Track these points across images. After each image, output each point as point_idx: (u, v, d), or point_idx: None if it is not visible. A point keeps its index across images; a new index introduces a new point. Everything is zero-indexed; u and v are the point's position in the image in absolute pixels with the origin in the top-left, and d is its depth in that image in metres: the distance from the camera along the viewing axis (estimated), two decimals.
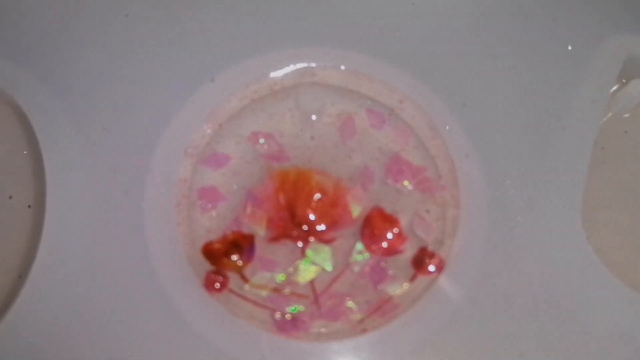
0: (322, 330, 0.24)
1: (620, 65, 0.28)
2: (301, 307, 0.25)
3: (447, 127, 0.27)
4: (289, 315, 0.24)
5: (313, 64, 0.28)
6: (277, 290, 0.25)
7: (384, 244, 0.25)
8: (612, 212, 0.28)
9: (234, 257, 0.25)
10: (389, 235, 0.25)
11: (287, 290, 0.25)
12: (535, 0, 0.29)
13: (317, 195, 0.26)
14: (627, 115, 0.30)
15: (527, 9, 0.29)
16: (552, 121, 0.27)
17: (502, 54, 0.28)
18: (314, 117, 0.27)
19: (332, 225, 0.26)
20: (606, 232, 0.28)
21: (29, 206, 0.27)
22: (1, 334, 0.24)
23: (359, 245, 0.25)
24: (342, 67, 0.28)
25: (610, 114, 0.30)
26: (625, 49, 0.28)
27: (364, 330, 0.24)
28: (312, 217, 0.26)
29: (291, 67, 0.28)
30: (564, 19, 0.29)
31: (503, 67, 0.28)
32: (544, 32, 0.28)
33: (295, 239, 0.25)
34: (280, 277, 0.25)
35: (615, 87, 0.30)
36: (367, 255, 0.25)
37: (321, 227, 0.26)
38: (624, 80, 0.29)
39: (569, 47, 0.27)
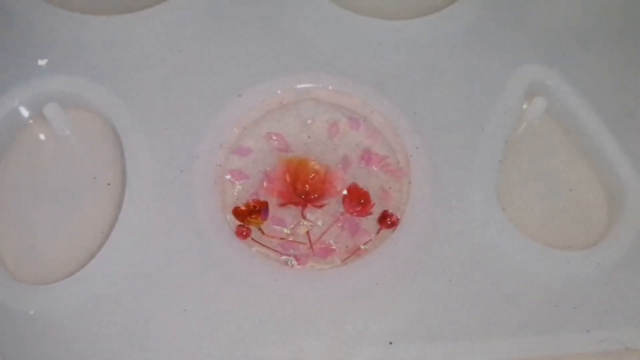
0: (315, 264, 0.35)
1: (527, 86, 0.40)
2: (300, 250, 0.36)
3: (404, 129, 0.38)
4: (292, 255, 0.36)
5: (309, 85, 0.40)
6: (284, 239, 0.36)
7: (359, 208, 0.37)
8: (523, 189, 0.39)
9: (254, 217, 0.36)
10: (362, 202, 0.37)
11: (291, 239, 0.36)
12: (464, 43, 0.41)
13: (312, 175, 0.37)
14: (536, 122, 0.41)
15: (458, 49, 0.41)
16: (475, 125, 0.39)
17: (442, 79, 0.40)
18: (309, 122, 0.39)
19: (322, 195, 0.37)
20: (519, 203, 0.39)
21: (109, 184, 0.38)
22: (90, 274, 0.34)
23: (341, 209, 0.37)
24: (330, 88, 0.40)
25: (524, 124, 0.41)
26: (530, 74, 0.40)
27: (344, 265, 0.35)
28: (308, 190, 0.37)
29: (294, 87, 0.40)
30: (485, 56, 0.41)
31: (442, 88, 0.40)
32: (471, 65, 0.40)
33: (297, 205, 0.37)
34: (286, 231, 0.36)
35: (525, 105, 0.41)
36: (346, 216, 0.37)
37: (315, 197, 0.37)
38: (533, 98, 0.41)
39: (486, 75, 0.39)
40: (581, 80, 0.40)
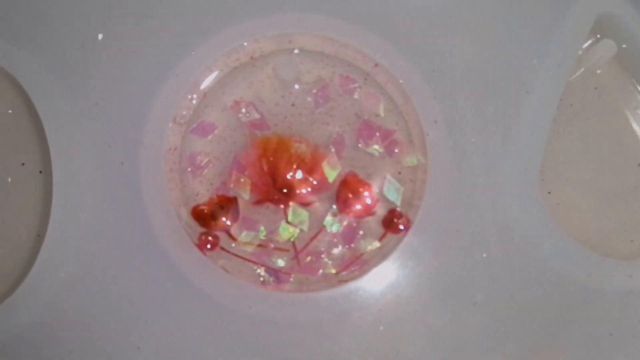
0: (302, 282, 0.28)
1: (592, 23, 0.29)
2: (283, 263, 0.28)
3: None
4: (272, 276, 0.28)
5: (290, 31, 0.29)
6: (262, 246, 0.28)
7: (358, 207, 0.28)
8: (575, 166, 0.30)
9: (223, 219, 0.28)
10: (362, 199, 0.28)
11: (271, 245, 0.28)
12: None
13: (295, 166, 0.28)
14: (599, 71, 0.31)
15: None
16: (517, 86, 0.28)
17: (473, 23, 0.28)
18: (293, 85, 0.29)
19: (311, 190, 0.28)
20: (568, 186, 0.30)
21: (40, 172, 0.30)
22: (27, 289, 0.27)
23: (334, 208, 0.28)
24: (318, 34, 0.29)
25: (582, 69, 0.31)
26: (597, 7, 0.29)
27: (339, 282, 0.28)
28: (292, 181, 0.28)
29: (269, 35, 0.29)
30: None
31: (473, 35, 0.28)
32: None
33: (277, 202, 0.28)
34: (262, 237, 0.28)
35: (589, 42, 0.30)
36: (341, 217, 0.28)
37: (300, 192, 0.28)
38: (598, 36, 0.30)
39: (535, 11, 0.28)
40: None
